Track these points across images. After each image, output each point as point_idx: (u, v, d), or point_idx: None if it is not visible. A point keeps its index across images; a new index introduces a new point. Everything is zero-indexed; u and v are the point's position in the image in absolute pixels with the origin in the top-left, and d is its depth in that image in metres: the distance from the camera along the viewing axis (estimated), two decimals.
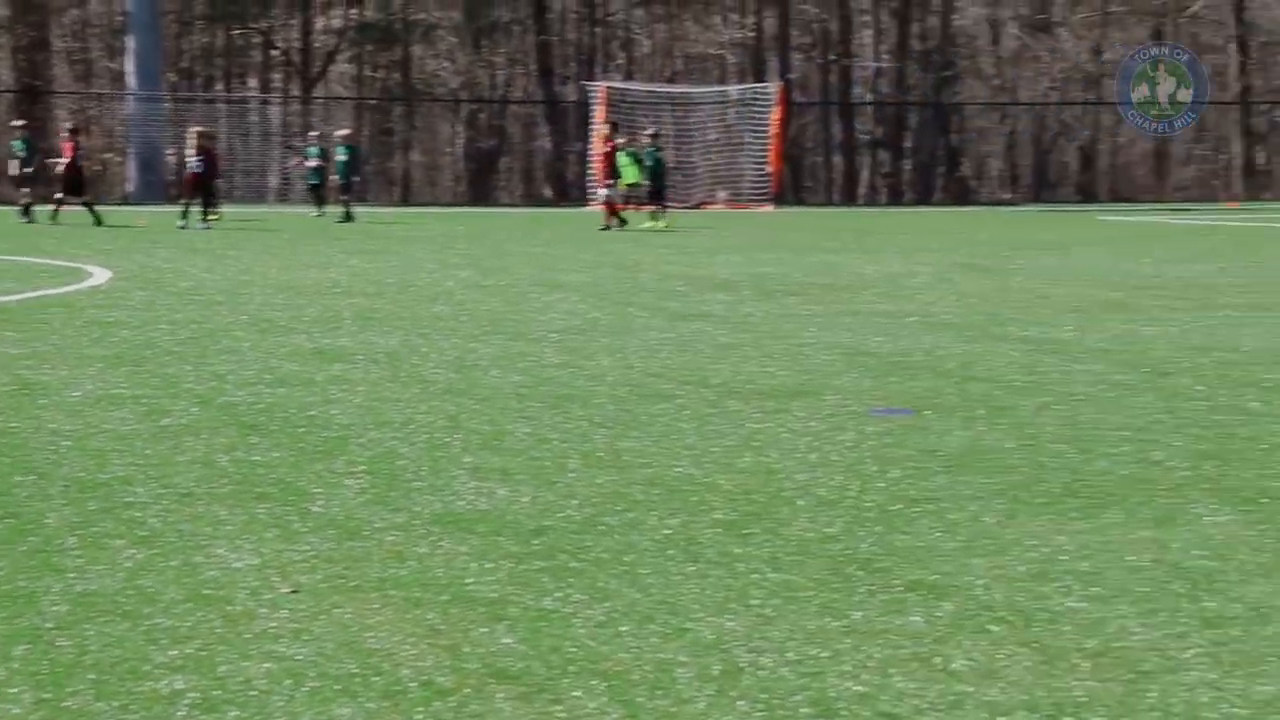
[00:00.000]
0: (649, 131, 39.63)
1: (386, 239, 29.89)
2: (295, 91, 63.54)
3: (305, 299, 16.48)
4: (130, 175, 54.03)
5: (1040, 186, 65.64)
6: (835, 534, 6.31)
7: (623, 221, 33.82)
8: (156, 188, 51.66)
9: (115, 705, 4.35)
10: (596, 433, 8.58)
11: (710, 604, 5.33)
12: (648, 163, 36.76)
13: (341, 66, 66.20)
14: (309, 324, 14.00)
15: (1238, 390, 10.28)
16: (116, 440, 8.24)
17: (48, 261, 22.51)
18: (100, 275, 19.80)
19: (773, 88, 53.10)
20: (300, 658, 4.74)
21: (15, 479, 7.23)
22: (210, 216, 33.84)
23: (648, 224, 35.15)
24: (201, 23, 64.63)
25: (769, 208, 48.84)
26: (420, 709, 4.35)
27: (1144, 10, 68.80)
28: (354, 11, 64.35)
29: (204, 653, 4.78)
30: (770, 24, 66.31)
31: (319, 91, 63.90)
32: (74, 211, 34.93)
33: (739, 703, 4.40)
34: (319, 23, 64.69)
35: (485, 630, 5.01)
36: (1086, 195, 64.36)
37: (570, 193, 56.78)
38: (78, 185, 34.95)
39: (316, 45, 64.73)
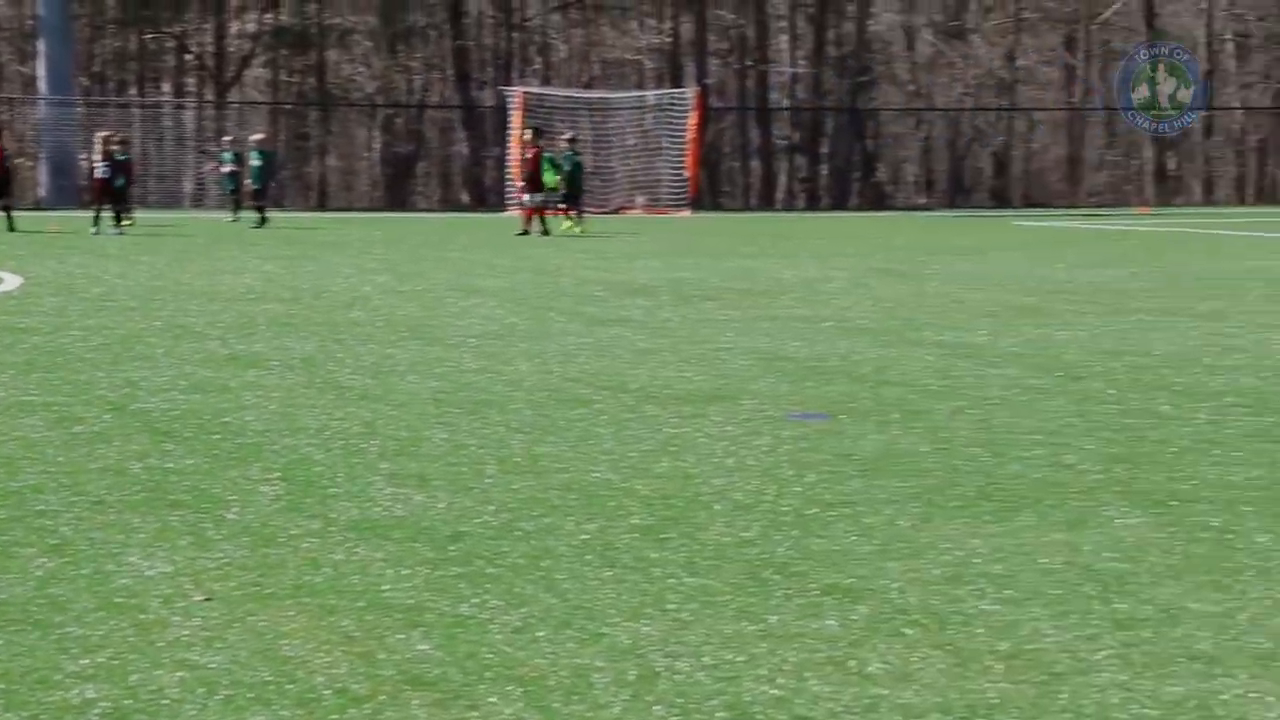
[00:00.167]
0: (567, 136, 39.57)
1: (303, 244, 29.72)
2: (209, 96, 63.03)
3: (220, 305, 16.36)
4: (42, 180, 53.45)
5: (955, 192, 66.04)
6: (752, 538, 6.33)
7: (546, 230, 33.74)
8: (69, 193, 51.08)
9: (25, 715, 4.31)
10: (514, 438, 8.58)
11: (627, 609, 5.34)
12: (565, 167, 36.71)
13: (256, 71, 65.70)
14: (223, 330, 13.91)
15: (1149, 394, 10.40)
16: (27, 448, 8.16)
17: None
18: (11, 281, 19.58)
19: (690, 93, 53.20)
20: (213, 666, 4.71)
21: None
22: (124, 222, 33.54)
23: (564, 227, 35.12)
24: (114, 27, 63.98)
25: (686, 213, 48.89)
26: (335, 716, 4.33)
27: (1056, 17, 69.44)
28: (269, 16, 63.87)
29: (116, 662, 4.74)
30: (687, 29, 66.40)
31: (233, 96, 63.41)
32: None
33: (655, 707, 4.41)
34: (233, 27, 64.19)
35: (401, 637, 5.00)
36: (1001, 201, 64.76)
37: (488, 198, 56.60)
38: (4, 185, 34.30)
39: (231, 49, 64.23)
